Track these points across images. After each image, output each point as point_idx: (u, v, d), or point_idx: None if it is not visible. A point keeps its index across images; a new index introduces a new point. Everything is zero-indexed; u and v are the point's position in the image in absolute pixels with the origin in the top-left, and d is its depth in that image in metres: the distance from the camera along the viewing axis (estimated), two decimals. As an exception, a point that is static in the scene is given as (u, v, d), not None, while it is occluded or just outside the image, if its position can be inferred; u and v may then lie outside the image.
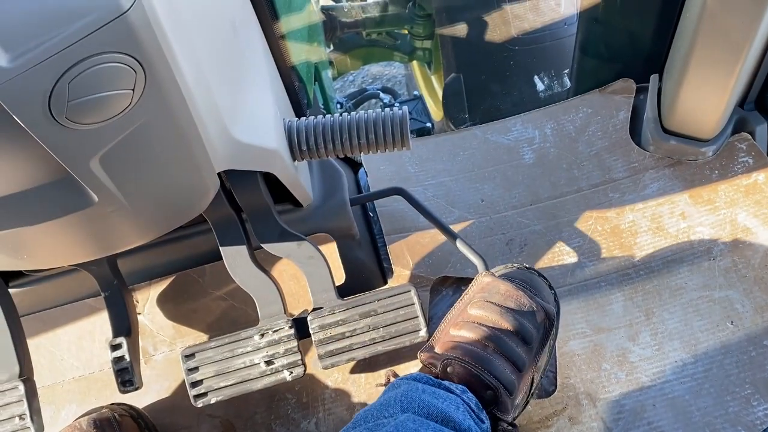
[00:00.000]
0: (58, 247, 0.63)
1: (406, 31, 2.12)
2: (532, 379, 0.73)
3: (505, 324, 0.71)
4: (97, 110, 0.45)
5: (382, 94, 1.91)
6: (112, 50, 0.42)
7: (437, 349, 0.73)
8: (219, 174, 0.67)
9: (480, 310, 0.73)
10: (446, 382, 0.68)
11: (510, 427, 0.70)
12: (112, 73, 0.43)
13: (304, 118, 0.75)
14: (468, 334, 0.72)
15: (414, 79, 2.33)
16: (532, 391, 0.73)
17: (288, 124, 0.74)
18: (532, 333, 0.72)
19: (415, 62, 2.27)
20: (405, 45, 2.16)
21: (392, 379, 0.73)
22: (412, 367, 0.84)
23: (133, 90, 0.46)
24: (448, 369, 0.70)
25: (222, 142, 0.62)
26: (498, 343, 0.70)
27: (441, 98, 1.96)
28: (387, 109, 0.74)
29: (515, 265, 0.80)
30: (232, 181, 0.72)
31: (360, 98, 1.87)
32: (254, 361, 0.75)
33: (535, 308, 0.73)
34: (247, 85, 0.69)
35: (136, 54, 0.44)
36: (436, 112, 2.09)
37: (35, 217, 0.54)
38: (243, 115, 0.65)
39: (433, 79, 2.22)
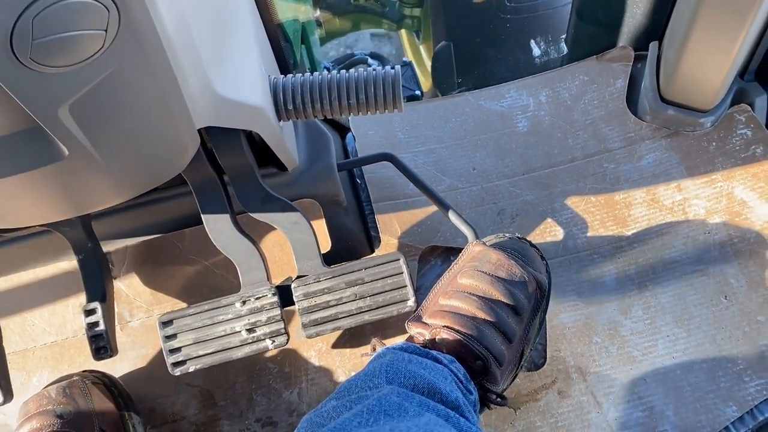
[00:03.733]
0: (28, 204, 0.59)
1: (395, -2, 2.07)
2: (522, 350, 0.71)
3: (496, 293, 0.69)
4: (66, 51, 0.41)
5: (370, 60, 1.86)
6: (81, -17, 0.38)
7: (426, 319, 0.70)
8: (200, 132, 0.64)
9: (470, 279, 0.71)
10: (434, 352, 0.65)
11: (499, 399, 0.68)
12: (82, 10, 0.39)
13: (291, 75, 0.71)
14: (458, 303, 0.69)
15: (402, 47, 2.28)
16: (521, 364, 0.71)
17: (274, 81, 0.70)
18: (524, 303, 0.70)
19: (403, 31, 2.22)
20: (393, 12, 2.11)
21: (378, 347, 0.70)
22: (398, 340, 0.82)
23: (105, 31, 0.42)
24: (436, 338, 0.68)
25: (203, 97, 0.58)
26: (488, 312, 0.68)
27: (429, 68, 1.92)
28: (379, 68, 0.70)
29: (507, 234, 0.77)
30: (213, 140, 0.68)
31: (348, 63, 1.82)
32: (235, 328, 0.72)
33: (526, 278, 0.71)
34: (231, 39, 0.65)
35: (108, -11, 0.40)
36: (423, 82, 2.05)
37: (1, 170, 0.50)
38: (227, 69, 0.61)
39: (422, 48, 2.17)
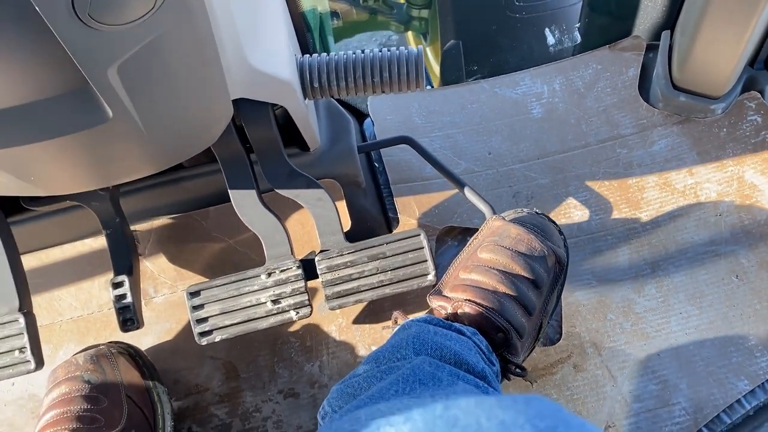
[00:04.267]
0: (67, 170, 0.61)
1: (403, 0, 2.09)
2: (541, 323, 0.72)
3: (516, 267, 0.71)
4: (121, 10, 0.43)
5: (372, 49, 1.88)
6: (139, -56, 0.41)
7: (447, 292, 0.72)
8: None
9: (490, 253, 0.72)
10: (457, 325, 0.67)
11: (518, 370, 0.70)
12: (138, -30, 0.42)
13: (317, 55, 0.73)
14: (478, 277, 0.71)
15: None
16: (539, 336, 0.73)
17: (301, 60, 0.72)
18: (543, 277, 0.72)
19: (410, 33, 2.25)
20: (401, 14, 2.13)
21: (400, 320, 0.72)
22: (417, 315, 0.84)
23: (157, -8, 0.44)
24: (458, 311, 0.69)
25: (238, 68, 0.61)
26: (509, 286, 0.70)
27: (435, 69, 1.94)
28: (402, 48, 0.73)
29: (525, 210, 0.79)
30: (243, 114, 0.71)
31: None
32: (260, 300, 0.74)
33: (546, 252, 0.72)
34: (264, 16, 0.68)
35: (162, -47, 0.42)
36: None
37: (48, 131, 0.53)
38: (260, 43, 0.64)
39: (429, 50, 2.20)
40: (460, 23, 1.74)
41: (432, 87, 1.82)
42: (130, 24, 0.44)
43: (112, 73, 0.48)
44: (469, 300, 0.69)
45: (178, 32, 0.49)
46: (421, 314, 0.83)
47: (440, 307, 0.72)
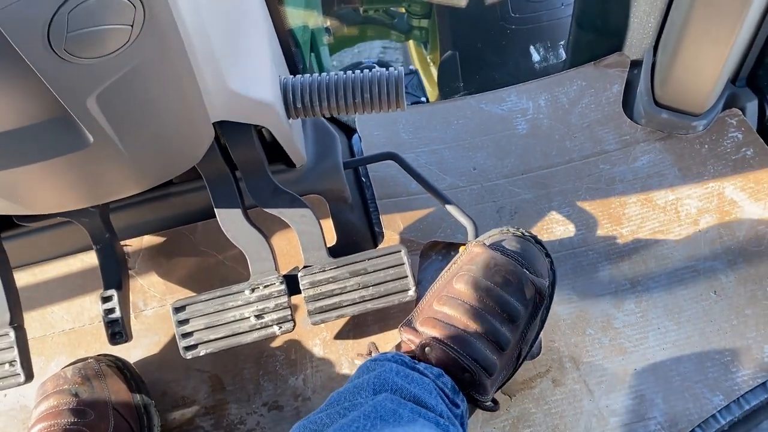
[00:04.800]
0: (53, 191, 0.63)
1: (404, 10, 2.11)
2: (519, 352, 0.71)
3: (490, 302, 0.69)
4: (96, 44, 0.45)
5: (377, 67, 1.90)
6: (112, -18, 0.43)
7: (417, 325, 0.71)
8: (214, 127, 0.68)
9: (465, 285, 0.70)
10: (422, 365, 0.66)
11: (490, 404, 0.70)
12: (112, 6, 0.44)
13: (300, 75, 0.75)
14: (450, 311, 0.69)
15: (410, 58, 2.32)
16: (519, 363, 0.72)
17: (284, 80, 0.74)
18: (519, 311, 0.70)
19: (411, 42, 2.27)
20: (402, 23, 2.15)
21: (374, 353, 0.72)
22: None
23: (131, 26, 0.46)
24: (426, 350, 0.68)
25: (218, 91, 0.63)
26: (480, 322, 0.68)
27: (436, 78, 1.96)
28: (383, 69, 0.74)
29: (510, 230, 0.77)
30: (226, 134, 0.73)
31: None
32: (244, 315, 0.76)
33: (524, 283, 0.70)
34: (245, 40, 0.69)
35: (135, -12, 0.44)
36: (430, 92, 2.09)
37: (30, 156, 0.54)
38: (240, 66, 0.65)
39: (429, 59, 2.21)
40: (458, 34, 1.76)
41: (427, 101, 1.84)
42: (106, 57, 0.46)
43: (91, 103, 0.50)
44: (436, 339, 0.68)
45: (154, 62, 0.51)
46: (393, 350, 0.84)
47: (409, 341, 0.70)
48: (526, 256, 0.73)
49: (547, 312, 0.74)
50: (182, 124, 0.60)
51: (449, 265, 0.76)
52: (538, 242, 0.76)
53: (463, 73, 1.64)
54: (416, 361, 0.67)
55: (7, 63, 0.46)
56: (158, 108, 0.56)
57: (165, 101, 0.55)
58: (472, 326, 0.68)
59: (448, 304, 0.70)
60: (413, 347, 0.69)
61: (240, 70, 0.65)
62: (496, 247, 0.74)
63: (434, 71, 2.08)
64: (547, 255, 0.76)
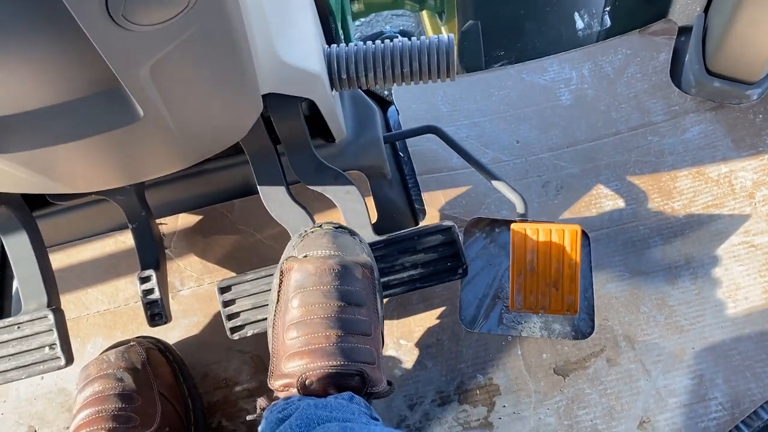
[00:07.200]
0: (95, 169, 0.60)
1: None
2: (381, 330, 0.68)
3: (333, 302, 0.64)
4: (155, 10, 0.42)
5: (400, 37, 1.85)
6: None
7: (283, 367, 0.63)
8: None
9: (301, 302, 0.64)
10: (331, 397, 0.61)
11: (386, 388, 0.66)
12: (172, -31, 0.40)
13: (344, 45, 0.72)
14: (305, 333, 0.63)
15: (423, 30, 2.27)
16: (383, 341, 0.69)
17: (328, 50, 0.71)
18: (361, 294, 0.65)
19: (424, 12, 2.21)
20: (416, -10, 2.09)
21: (266, 406, 0.64)
22: (445, 309, 0.83)
23: (191, -10, 0.43)
24: (306, 382, 0.62)
25: (268, 62, 0.60)
26: (336, 325, 0.63)
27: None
28: (432, 36, 0.71)
29: (308, 230, 0.70)
30: (272, 108, 0.69)
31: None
32: (290, 295, 0.73)
33: (350, 267, 0.66)
34: (292, 7, 0.66)
35: (197, -50, 0.41)
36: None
37: (77, 131, 0.52)
38: (289, 35, 0.62)
39: (443, 29, 2.16)
40: (481, 1, 1.70)
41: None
42: (164, 24, 0.43)
43: (144, 73, 0.47)
44: (309, 366, 0.62)
45: (211, 30, 0.47)
46: (448, 307, 0.81)
47: (284, 387, 0.63)
48: (337, 244, 0.68)
49: (380, 283, 0.71)
50: (234, 96, 0.56)
51: (279, 297, 0.67)
52: (339, 228, 0.70)
53: (490, 45, 1.59)
54: (315, 396, 0.61)
55: (60, 32, 0.43)
56: (211, 80, 0.53)
57: (218, 72, 0.52)
58: (332, 333, 0.63)
59: (298, 327, 0.64)
60: (293, 389, 0.62)
61: (289, 39, 0.62)
62: (305, 254, 0.68)
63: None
64: (352, 234, 0.71)
